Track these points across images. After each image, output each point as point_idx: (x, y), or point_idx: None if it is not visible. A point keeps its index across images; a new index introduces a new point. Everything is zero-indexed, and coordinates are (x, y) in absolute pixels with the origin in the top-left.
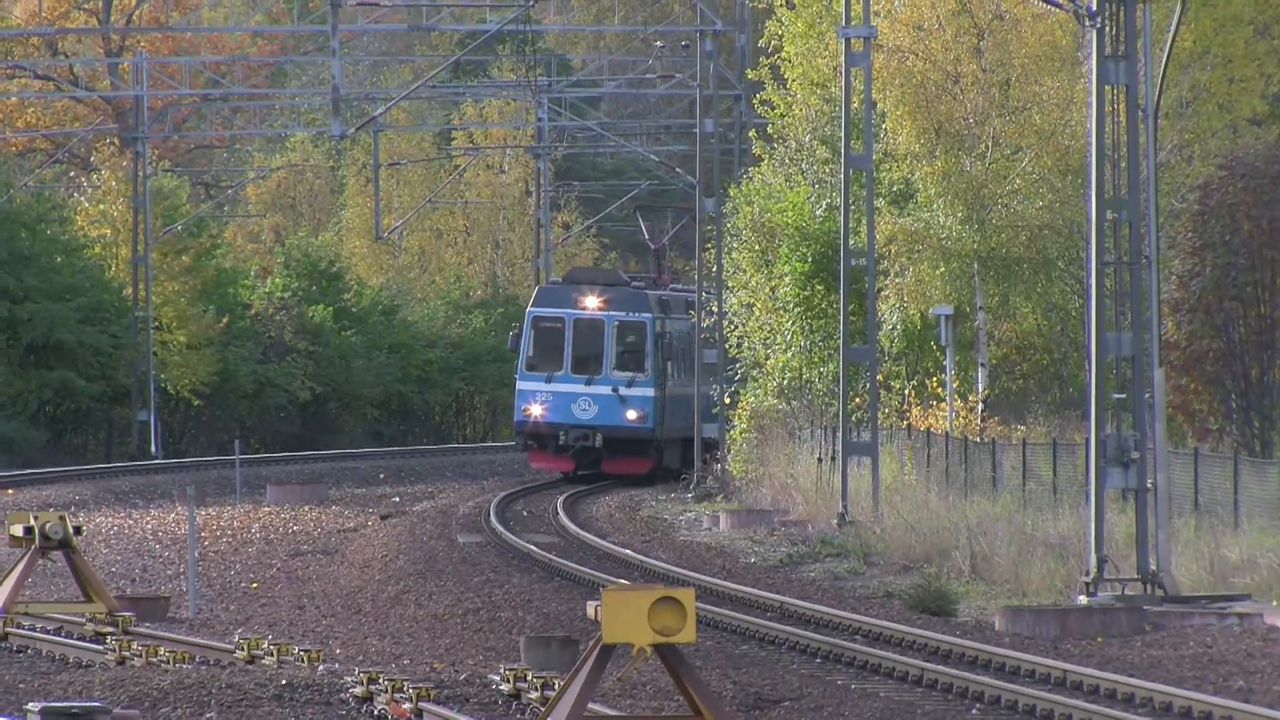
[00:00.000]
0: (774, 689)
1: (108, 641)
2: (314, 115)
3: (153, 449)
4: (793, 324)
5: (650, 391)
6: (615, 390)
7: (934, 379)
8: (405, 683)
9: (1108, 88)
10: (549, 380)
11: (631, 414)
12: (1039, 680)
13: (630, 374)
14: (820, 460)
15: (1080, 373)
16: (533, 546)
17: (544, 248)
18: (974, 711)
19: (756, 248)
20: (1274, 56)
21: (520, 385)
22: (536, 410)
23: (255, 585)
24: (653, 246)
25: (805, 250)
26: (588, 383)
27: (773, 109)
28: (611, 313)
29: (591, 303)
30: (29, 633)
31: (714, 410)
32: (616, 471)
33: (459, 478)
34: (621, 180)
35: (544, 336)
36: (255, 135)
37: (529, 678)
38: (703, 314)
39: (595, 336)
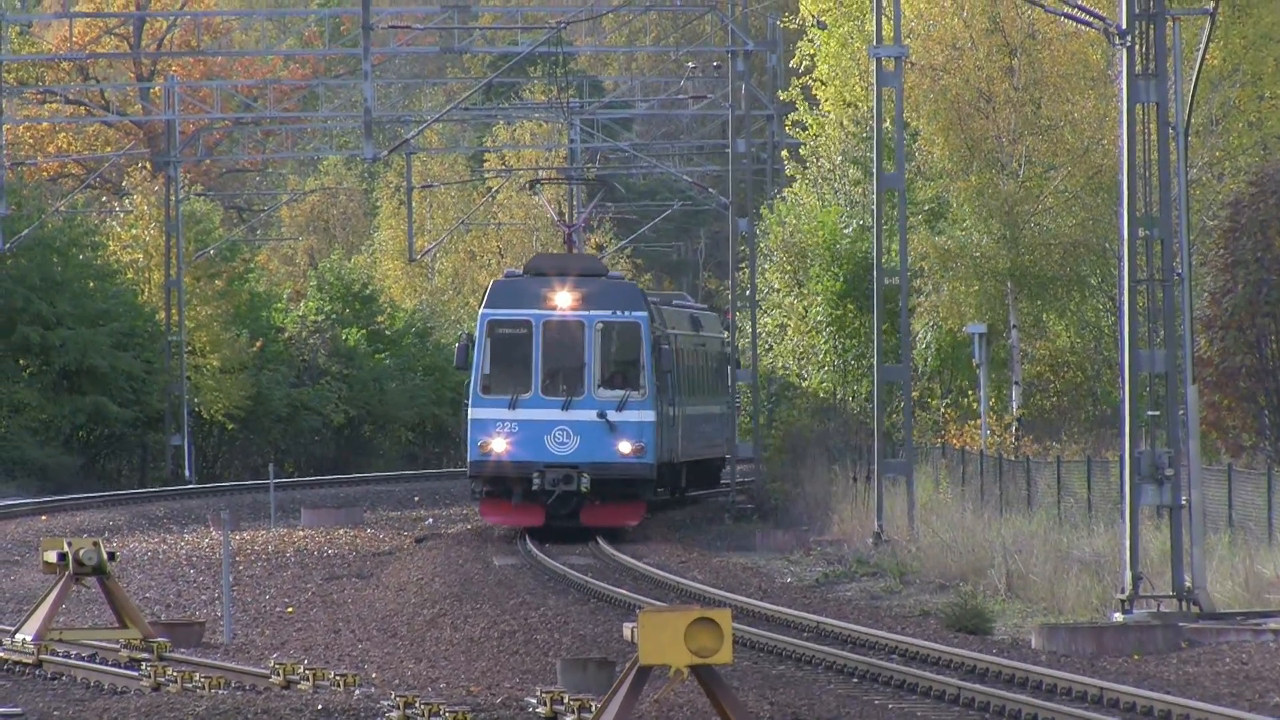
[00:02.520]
0: (811, 709)
1: (143, 668)
2: (346, 138)
3: (186, 473)
4: (826, 343)
5: (649, 415)
6: (602, 415)
7: (968, 397)
8: (442, 706)
9: (1138, 105)
10: (513, 405)
11: (625, 446)
12: (1076, 698)
13: (621, 393)
14: (855, 479)
15: (1113, 390)
16: (568, 568)
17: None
18: None
19: (788, 268)
20: None
21: (474, 413)
22: (499, 445)
23: (290, 610)
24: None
25: (837, 270)
26: (565, 406)
27: (805, 129)
28: (593, 311)
29: (565, 299)
30: (64, 659)
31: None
32: (599, 524)
33: None
34: (655, 201)
35: (504, 347)
36: (287, 159)
37: (566, 700)
38: (734, 333)
39: (573, 344)
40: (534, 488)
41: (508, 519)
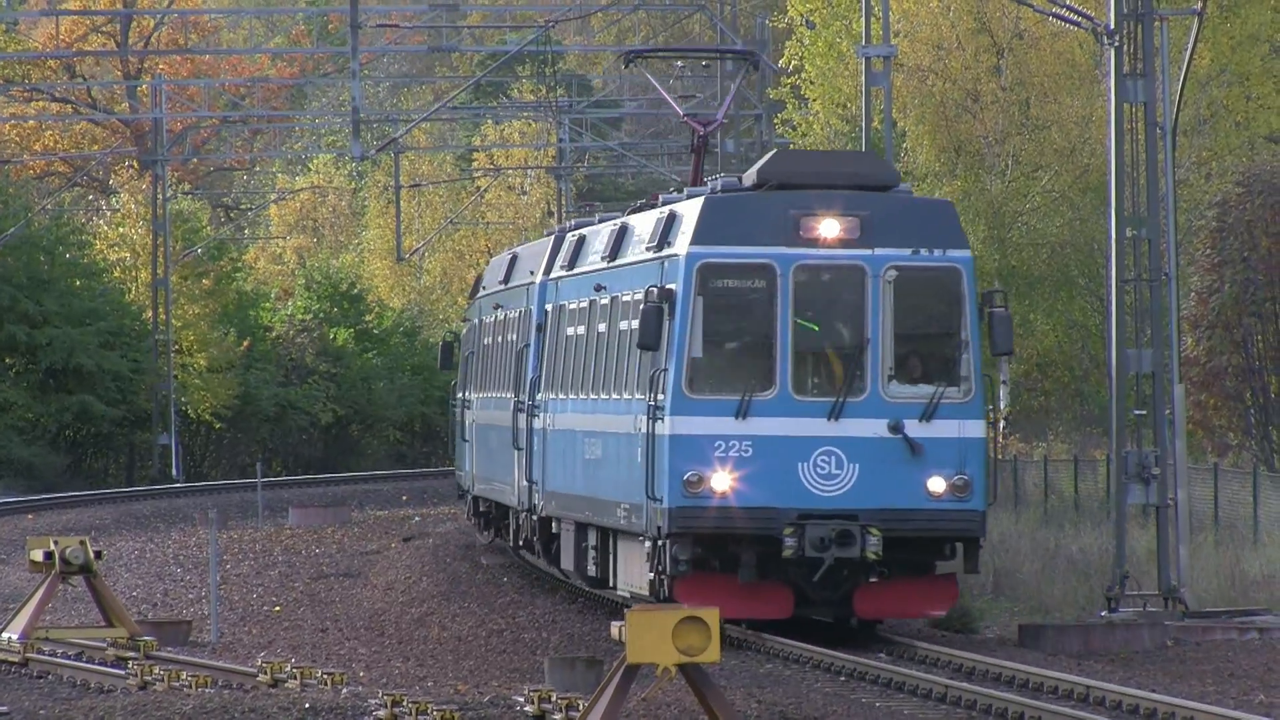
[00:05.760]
0: (798, 708)
1: (129, 666)
2: (334, 137)
3: (174, 473)
4: None
5: (975, 426)
6: (898, 429)
7: None
8: (429, 705)
9: (1126, 106)
10: (743, 413)
11: (936, 481)
12: (1062, 696)
13: (929, 389)
14: None
15: (1101, 389)
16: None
17: None
18: None
19: None
20: None
21: (673, 425)
22: (720, 482)
23: (278, 608)
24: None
25: None
26: (834, 414)
27: (794, 129)
28: (880, 249)
29: (831, 229)
30: (50, 658)
31: None
32: (886, 614)
33: None
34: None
35: (724, 313)
36: (275, 157)
37: (554, 699)
38: None
39: (846, 307)
40: (786, 554)
41: (730, 605)
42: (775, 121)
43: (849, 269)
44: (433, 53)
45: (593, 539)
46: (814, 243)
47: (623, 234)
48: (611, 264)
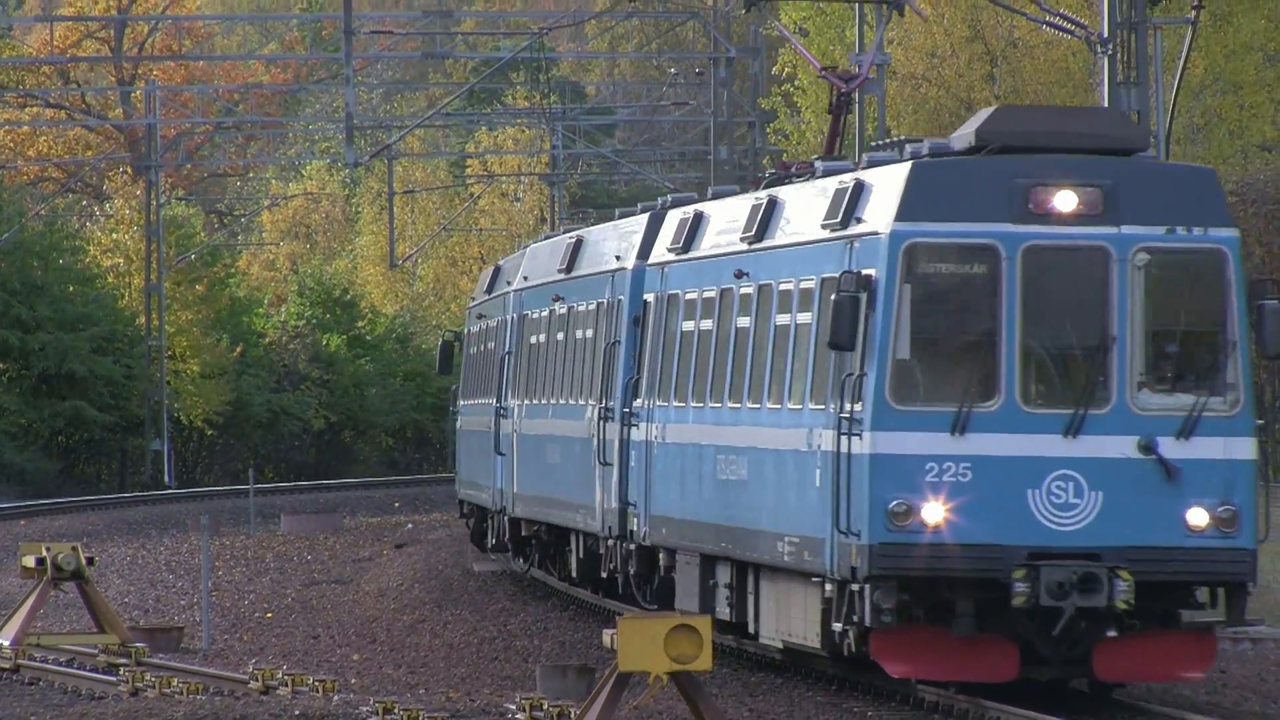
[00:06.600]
0: (790, 716)
1: (121, 673)
2: (328, 143)
3: (166, 479)
4: None
5: (1246, 445)
6: (1150, 448)
7: None
8: (421, 712)
9: None
10: (959, 427)
11: (1198, 513)
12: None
13: (1189, 399)
14: None
15: None
16: (548, 574)
17: None
18: None
19: None
20: None
21: (875, 440)
22: (933, 513)
23: (270, 615)
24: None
25: None
26: (1070, 429)
27: (786, 137)
28: (1127, 226)
29: (1066, 202)
30: (41, 664)
31: None
32: (1134, 677)
33: None
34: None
35: (938, 302)
36: (269, 163)
37: (545, 707)
38: None
39: (1085, 298)
40: (1016, 602)
41: (941, 664)
42: (768, 130)
43: (1089, 251)
44: (426, 59)
45: (725, 576)
46: (1047, 218)
47: (771, 210)
48: (757, 246)
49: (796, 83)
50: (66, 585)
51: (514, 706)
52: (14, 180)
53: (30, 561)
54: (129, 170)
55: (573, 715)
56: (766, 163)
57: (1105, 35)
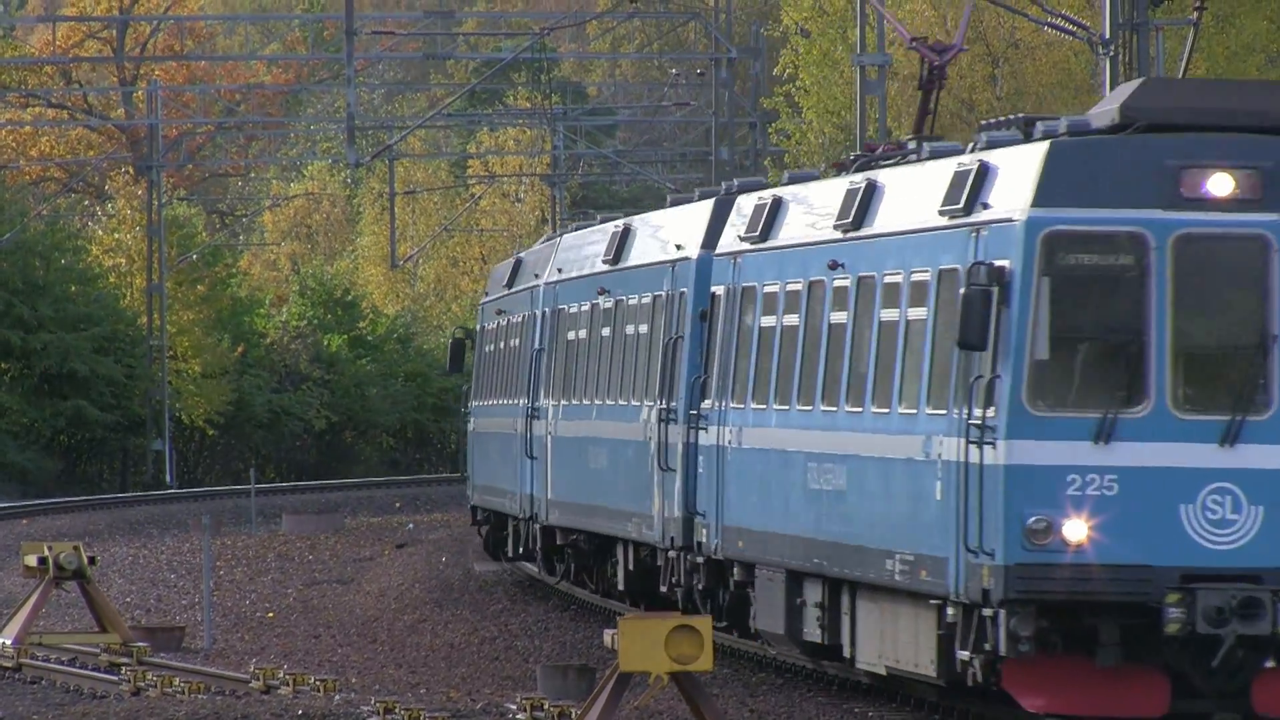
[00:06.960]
0: (790, 716)
1: (122, 672)
2: (329, 144)
3: (167, 478)
4: None
5: None
6: None
7: None
8: (422, 712)
9: None
10: (1103, 435)
11: None
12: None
13: None
14: None
15: None
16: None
17: None
18: None
19: None
20: None
21: (1010, 450)
22: (1074, 531)
23: (271, 615)
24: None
25: None
26: (1227, 438)
27: (788, 138)
28: None
29: (1223, 185)
30: (43, 663)
31: None
32: None
33: None
34: (638, 208)
35: (1078, 299)
36: (270, 163)
37: (546, 707)
38: None
39: (1243, 293)
40: (1170, 629)
41: (1085, 698)
42: (769, 130)
43: (1247, 240)
44: (428, 60)
45: (815, 594)
46: (1200, 204)
47: (870, 194)
48: (854, 234)
49: (798, 83)
50: (68, 585)
51: (515, 706)
52: (16, 180)
53: (32, 561)
54: (131, 170)
55: (573, 715)
56: (767, 163)
57: (1107, 36)
